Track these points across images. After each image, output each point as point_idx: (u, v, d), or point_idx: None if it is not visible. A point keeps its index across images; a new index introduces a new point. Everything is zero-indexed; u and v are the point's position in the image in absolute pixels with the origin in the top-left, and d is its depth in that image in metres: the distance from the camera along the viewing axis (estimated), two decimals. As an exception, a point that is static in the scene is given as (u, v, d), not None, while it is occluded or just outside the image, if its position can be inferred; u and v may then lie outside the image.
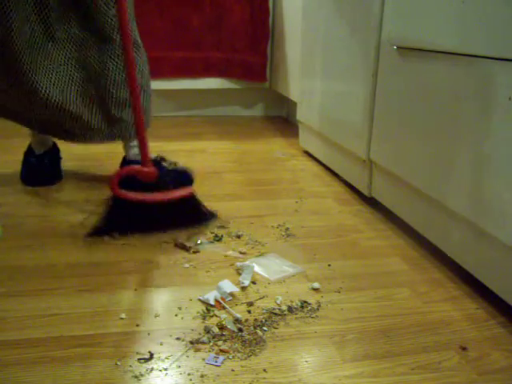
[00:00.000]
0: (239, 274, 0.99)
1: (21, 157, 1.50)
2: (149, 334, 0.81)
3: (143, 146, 1.17)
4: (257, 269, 0.99)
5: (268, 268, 1.01)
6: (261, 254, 1.06)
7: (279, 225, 1.25)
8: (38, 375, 0.71)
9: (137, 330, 0.82)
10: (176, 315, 0.86)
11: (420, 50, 1.09)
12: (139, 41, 1.35)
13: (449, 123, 1.00)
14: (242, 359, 0.76)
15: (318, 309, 0.90)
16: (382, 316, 0.89)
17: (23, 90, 1.24)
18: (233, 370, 0.73)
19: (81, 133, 1.35)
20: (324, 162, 1.76)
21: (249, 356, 0.76)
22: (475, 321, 0.88)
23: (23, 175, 1.48)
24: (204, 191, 1.47)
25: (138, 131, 1.16)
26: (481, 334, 0.84)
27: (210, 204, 1.38)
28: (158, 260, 1.06)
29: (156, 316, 0.86)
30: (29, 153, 1.50)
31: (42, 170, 1.48)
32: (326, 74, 1.65)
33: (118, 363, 0.74)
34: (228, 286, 0.92)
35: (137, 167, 1.18)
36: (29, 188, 1.47)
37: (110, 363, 0.74)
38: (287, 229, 1.23)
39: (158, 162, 1.41)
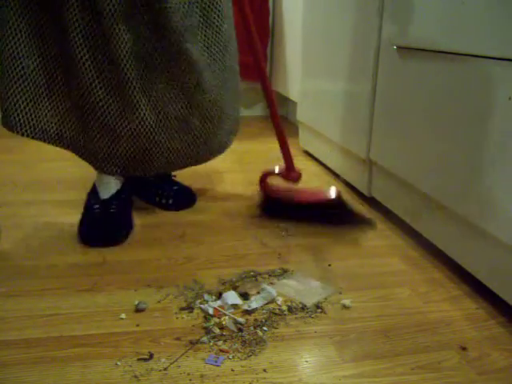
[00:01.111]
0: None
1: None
2: (149, 334, 0.81)
3: (287, 148, 1.25)
4: (292, 294, 0.93)
5: (299, 292, 0.95)
6: (286, 274, 1.01)
7: (279, 225, 1.25)
8: (38, 375, 0.71)
9: (137, 329, 0.82)
10: (176, 315, 0.86)
11: (420, 49, 1.09)
12: (236, 67, 1.25)
13: (449, 123, 1.00)
14: (241, 359, 0.76)
15: (317, 309, 0.89)
16: (381, 316, 0.89)
17: (117, 106, 1.07)
18: (233, 370, 0.73)
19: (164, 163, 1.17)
20: (324, 161, 1.76)
21: (249, 356, 0.76)
22: (475, 321, 0.88)
23: (82, 233, 1.14)
24: (204, 191, 1.47)
25: (282, 134, 1.27)
26: (480, 334, 0.84)
27: (209, 204, 1.38)
28: (158, 259, 1.06)
29: (156, 316, 0.86)
30: (92, 197, 1.20)
31: (106, 223, 1.15)
32: (326, 74, 1.65)
33: (118, 363, 0.74)
34: (232, 297, 0.90)
35: (284, 170, 1.25)
36: (28, 187, 1.46)
37: (110, 363, 0.74)
38: (287, 229, 1.23)
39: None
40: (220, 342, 0.79)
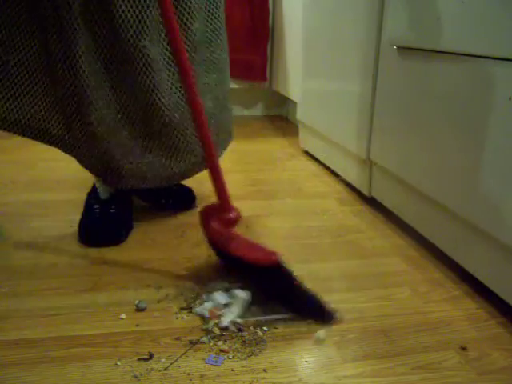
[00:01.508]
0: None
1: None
2: (149, 334, 0.81)
3: (221, 182, 0.94)
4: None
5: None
6: None
7: (279, 225, 1.25)
8: (38, 375, 0.71)
9: (137, 329, 0.82)
10: (176, 315, 0.86)
11: (420, 49, 1.09)
12: (221, 77, 1.15)
13: (448, 123, 1.00)
14: (241, 359, 0.76)
15: (318, 309, 0.89)
16: (381, 316, 0.89)
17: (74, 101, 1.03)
18: (233, 370, 0.73)
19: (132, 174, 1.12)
20: (324, 162, 1.76)
21: (249, 356, 0.76)
22: (475, 321, 0.88)
23: (82, 233, 1.14)
24: (204, 192, 1.47)
25: (213, 166, 0.93)
26: (481, 334, 0.84)
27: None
28: (158, 259, 1.06)
29: (156, 316, 0.86)
30: (92, 197, 1.21)
31: (106, 224, 1.15)
32: (326, 74, 1.65)
33: (118, 363, 0.74)
34: (223, 297, 0.88)
35: (218, 210, 0.96)
36: (28, 187, 1.46)
37: (109, 363, 0.74)
38: (287, 229, 1.23)
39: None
40: (220, 342, 0.79)
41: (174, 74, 1.06)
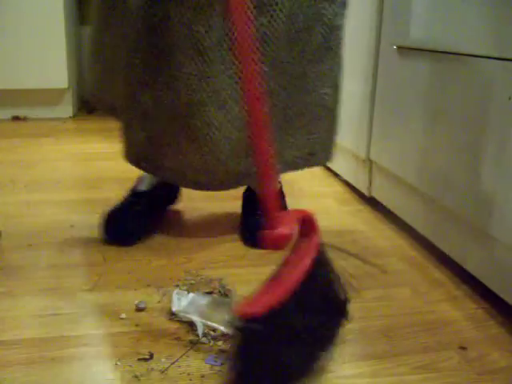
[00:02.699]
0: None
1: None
2: (149, 333, 0.81)
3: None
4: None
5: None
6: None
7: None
8: (37, 375, 0.71)
9: (137, 329, 0.82)
10: (176, 316, 0.86)
11: (420, 49, 1.09)
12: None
13: (448, 123, 1.00)
14: (242, 359, 0.75)
15: (318, 309, 0.89)
16: (381, 316, 0.89)
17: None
18: (233, 370, 0.73)
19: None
20: (324, 161, 1.76)
21: (249, 356, 0.76)
22: (475, 321, 0.88)
23: (107, 229, 1.11)
24: (204, 192, 1.47)
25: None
26: (481, 334, 0.84)
27: (209, 204, 1.38)
28: (158, 259, 1.06)
29: (156, 316, 0.86)
30: (131, 188, 1.18)
31: (123, 221, 1.11)
32: (326, 74, 1.65)
33: (118, 363, 0.74)
34: (200, 299, 0.85)
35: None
36: (28, 187, 1.46)
37: (110, 363, 0.74)
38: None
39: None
40: (220, 342, 0.79)
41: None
